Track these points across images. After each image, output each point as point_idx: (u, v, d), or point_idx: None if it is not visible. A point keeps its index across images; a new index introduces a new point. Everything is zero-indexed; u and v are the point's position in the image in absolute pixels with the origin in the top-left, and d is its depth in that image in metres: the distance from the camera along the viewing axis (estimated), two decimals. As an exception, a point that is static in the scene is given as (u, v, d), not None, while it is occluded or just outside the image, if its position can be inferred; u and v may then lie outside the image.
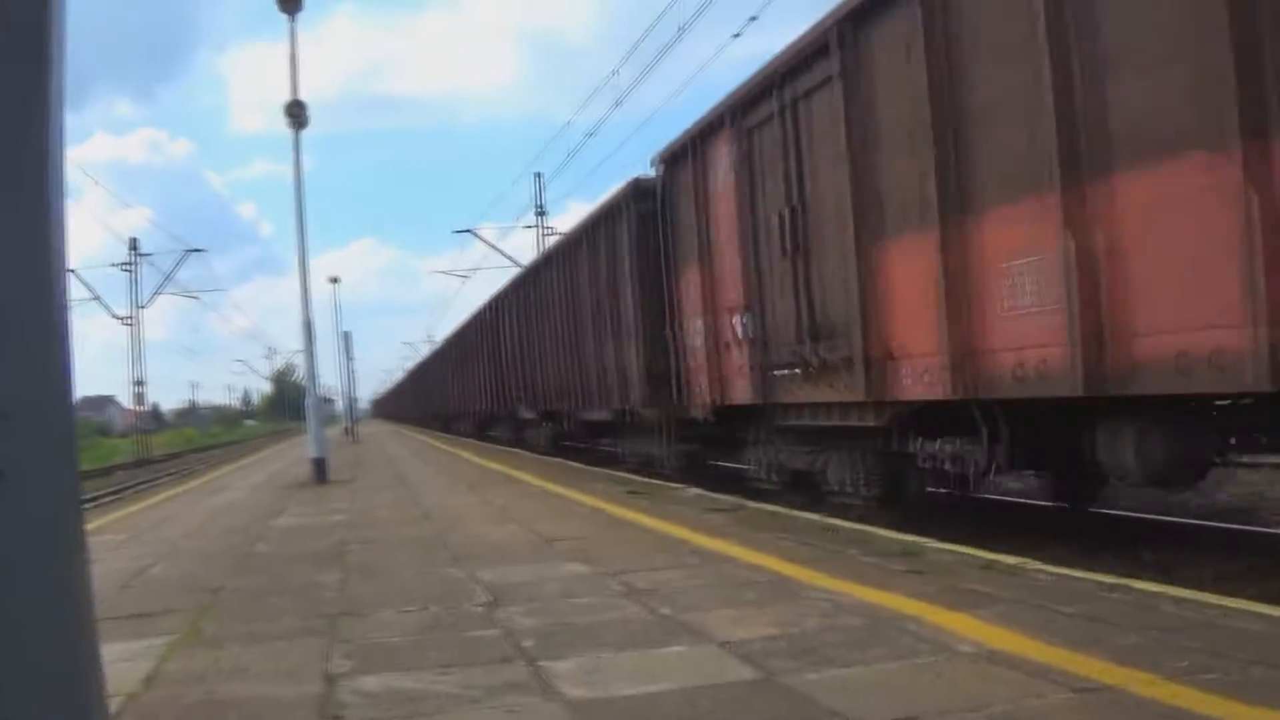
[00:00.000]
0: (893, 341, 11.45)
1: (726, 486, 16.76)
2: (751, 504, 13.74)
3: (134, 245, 68.20)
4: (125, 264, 68.33)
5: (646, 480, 18.94)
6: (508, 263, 52.69)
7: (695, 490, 16.19)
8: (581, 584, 8.66)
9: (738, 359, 15.73)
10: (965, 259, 10.00)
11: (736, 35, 25.06)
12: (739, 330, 15.54)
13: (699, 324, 17.22)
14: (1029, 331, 9.19)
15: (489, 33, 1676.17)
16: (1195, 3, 7.57)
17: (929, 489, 12.42)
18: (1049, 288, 8.89)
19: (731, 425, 16.86)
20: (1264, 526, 12.59)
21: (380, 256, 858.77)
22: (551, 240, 43.85)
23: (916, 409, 11.46)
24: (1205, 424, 8.83)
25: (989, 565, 8.42)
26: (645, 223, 19.63)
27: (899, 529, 10.70)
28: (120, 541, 14.44)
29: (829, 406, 13.16)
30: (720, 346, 16.46)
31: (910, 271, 10.93)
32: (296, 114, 24.28)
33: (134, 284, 68.99)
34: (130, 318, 70.10)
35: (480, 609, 7.81)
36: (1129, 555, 10.72)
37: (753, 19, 24.22)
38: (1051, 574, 7.92)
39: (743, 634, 6.48)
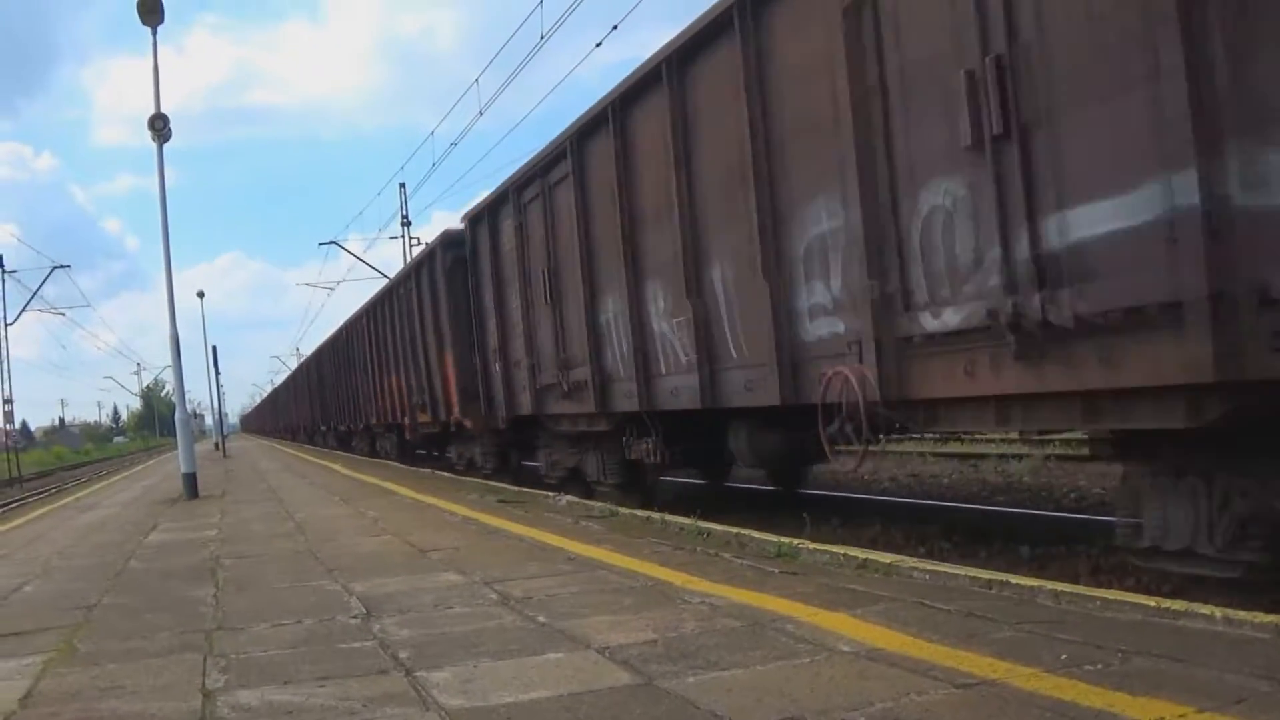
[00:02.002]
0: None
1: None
2: (625, 510, 13.79)
3: (-1, 262, 66.72)
4: (-10, 282, 66.85)
5: (519, 490, 18.97)
6: (374, 274, 52.54)
7: (568, 498, 16.26)
8: (456, 594, 8.65)
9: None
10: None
11: (599, 45, 25.04)
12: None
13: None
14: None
15: (351, 42, 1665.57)
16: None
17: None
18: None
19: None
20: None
21: (247, 270, 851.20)
22: (416, 250, 44.11)
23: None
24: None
25: (864, 564, 8.55)
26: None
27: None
28: (-9, 561, 14.22)
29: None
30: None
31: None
32: (160, 127, 23.92)
33: (0, 301, 67.57)
34: (-4, 336, 68.59)
35: (355, 621, 7.79)
36: (1008, 551, 10.96)
37: (614, 28, 24.15)
38: (927, 571, 8.04)
39: (621, 639, 6.53)
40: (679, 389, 13.49)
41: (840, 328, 10.13)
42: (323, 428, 60.54)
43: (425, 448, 33.40)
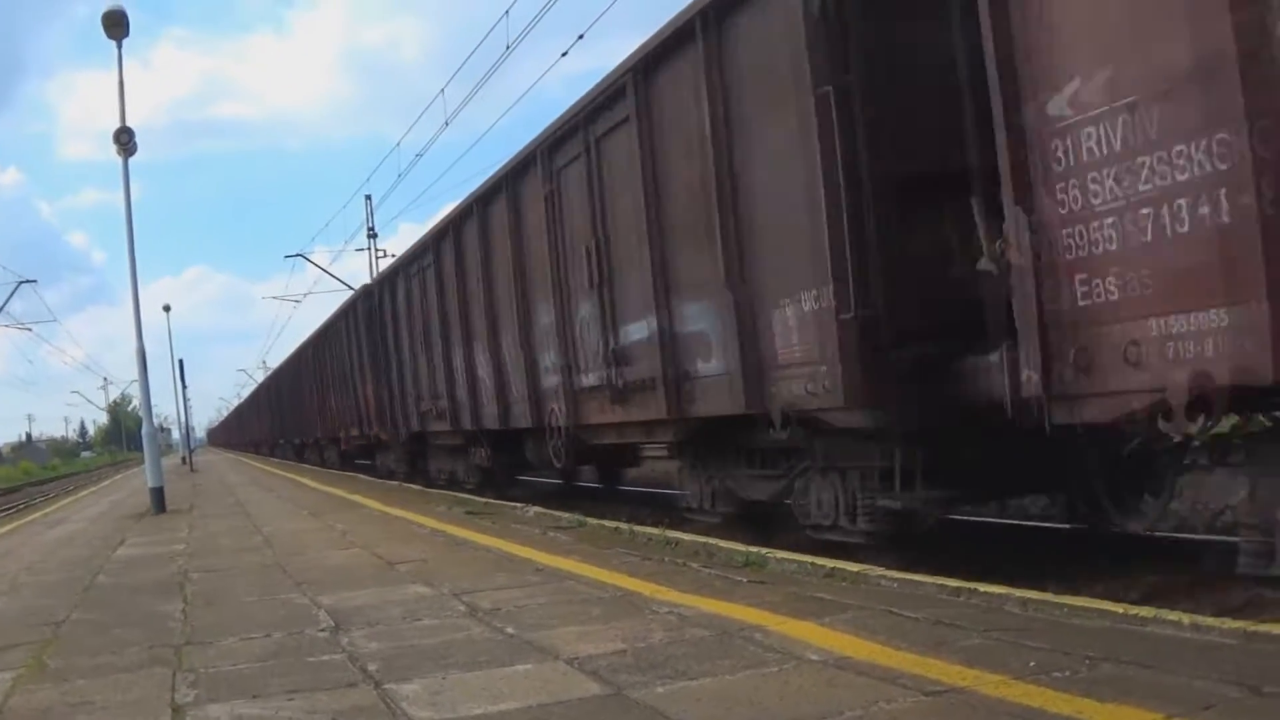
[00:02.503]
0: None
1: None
2: (593, 521, 13.83)
3: (-35, 278, 66.25)
4: (-43, 297, 66.33)
5: (486, 501, 18.99)
6: (340, 286, 52.51)
7: (536, 509, 16.25)
8: (425, 606, 8.66)
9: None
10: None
11: (564, 54, 24.99)
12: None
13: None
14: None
15: (317, 54, 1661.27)
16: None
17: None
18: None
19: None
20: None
21: (213, 283, 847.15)
22: (385, 262, 44.42)
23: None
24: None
25: (832, 573, 8.60)
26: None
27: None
28: (-43, 578, 14.16)
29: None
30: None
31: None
32: (125, 141, 23.82)
33: (-34, 317, 67.04)
34: (-39, 351, 68.07)
35: (324, 634, 7.79)
36: (978, 560, 10.99)
37: (580, 37, 24.13)
38: (895, 579, 8.08)
39: (590, 650, 6.55)
40: (491, 414, 19.73)
41: (555, 381, 16.25)
42: (281, 441, 65.93)
43: (359, 457, 38.05)
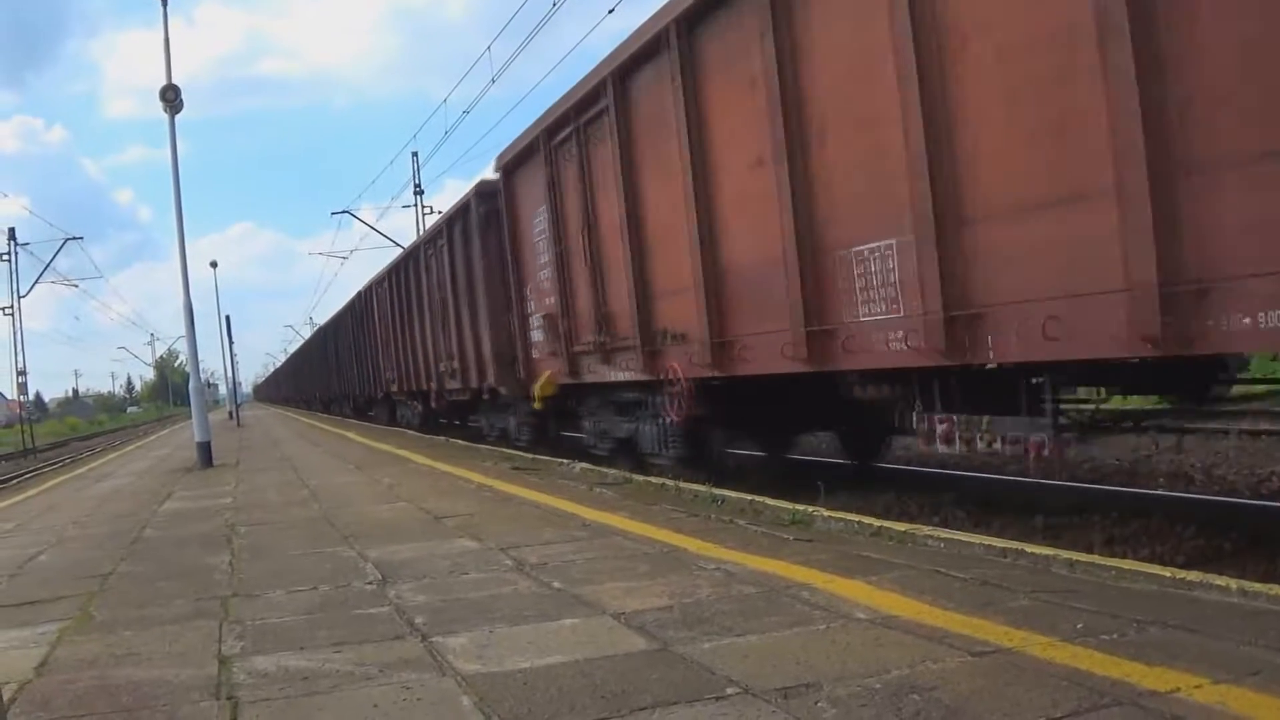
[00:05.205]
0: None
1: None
2: (639, 477, 13.81)
3: (12, 235, 66.55)
4: (3, 254, 66.75)
5: (534, 457, 18.99)
6: (387, 243, 52.54)
7: (583, 465, 16.25)
8: (472, 559, 8.67)
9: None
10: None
11: (611, 11, 24.89)
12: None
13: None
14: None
15: (364, 11, 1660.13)
16: None
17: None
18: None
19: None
20: (1146, 488, 12.88)
21: (259, 240, 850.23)
22: (430, 219, 43.85)
23: None
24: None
25: (879, 532, 8.55)
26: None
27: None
28: (7, 531, 14.29)
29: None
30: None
31: None
32: (171, 99, 23.91)
33: (13, 274, 67.41)
34: (10, 308, 68.58)
35: (371, 587, 7.81)
36: (1022, 520, 10.94)
37: (628, -7, 24.01)
38: (942, 539, 8.02)
39: (636, 605, 6.54)
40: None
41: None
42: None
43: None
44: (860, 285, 9.87)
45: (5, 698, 4.93)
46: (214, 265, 68.69)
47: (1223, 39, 6.55)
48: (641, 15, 13.44)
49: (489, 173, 21.94)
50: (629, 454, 16.51)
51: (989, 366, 9.15)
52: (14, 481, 31.55)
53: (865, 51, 9.51)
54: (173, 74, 24.16)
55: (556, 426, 21.71)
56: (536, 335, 19.67)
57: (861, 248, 9.81)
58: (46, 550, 11.53)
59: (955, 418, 9.84)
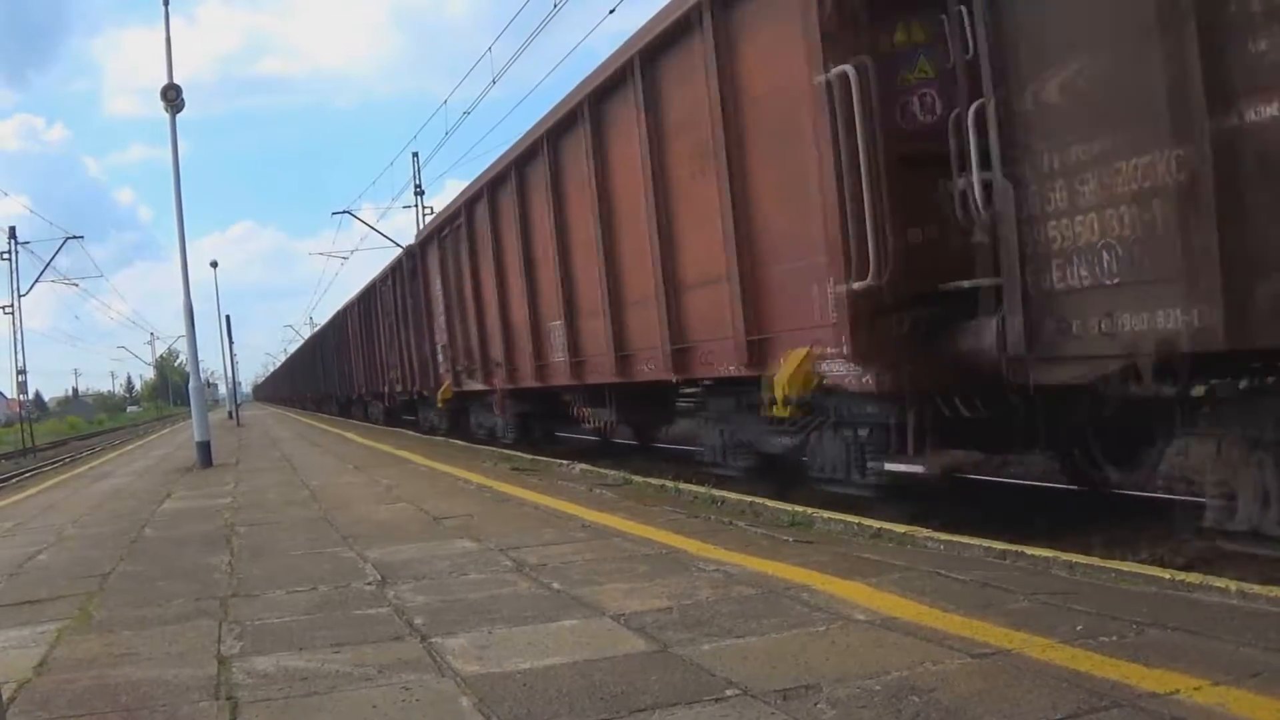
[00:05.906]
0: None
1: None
2: (638, 478, 13.80)
3: (12, 233, 66.49)
4: (3, 253, 66.68)
5: (534, 458, 18.97)
6: (387, 243, 52.69)
7: (582, 466, 16.25)
8: (471, 560, 8.67)
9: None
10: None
11: (612, 12, 24.84)
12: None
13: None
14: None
15: (366, 11, 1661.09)
16: None
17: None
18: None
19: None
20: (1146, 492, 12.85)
21: (260, 239, 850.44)
22: (428, 219, 44.53)
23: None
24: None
25: (878, 534, 8.55)
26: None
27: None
28: (7, 530, 14.29)
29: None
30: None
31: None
32: (172, 98, 23.92)
33: (13, 272, 67.25)
34: (10, 307, 68.50)
35: (370, 587, 7.81)
36: (1020, 522, 10.93)
37: (628, -6, 24.04)
38: (941, 541, 8.03)
39: (636, 606, 6.54)
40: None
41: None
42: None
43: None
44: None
45: (4, 697, 4.93)
46: (214, 265, 68.76)
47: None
48: (641, 16, 14.35)
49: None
50: (495, 440, 24.50)
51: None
52: (13, 481, 31.62)
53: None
54: (174, 73, 24.25)
55: (466, 420, 27.99)
56: (440, 357, 27.85)
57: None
58: (46, 550, 11.52)
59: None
